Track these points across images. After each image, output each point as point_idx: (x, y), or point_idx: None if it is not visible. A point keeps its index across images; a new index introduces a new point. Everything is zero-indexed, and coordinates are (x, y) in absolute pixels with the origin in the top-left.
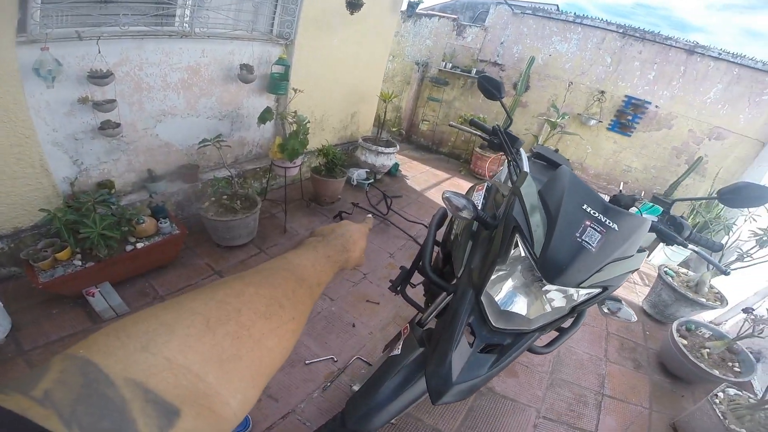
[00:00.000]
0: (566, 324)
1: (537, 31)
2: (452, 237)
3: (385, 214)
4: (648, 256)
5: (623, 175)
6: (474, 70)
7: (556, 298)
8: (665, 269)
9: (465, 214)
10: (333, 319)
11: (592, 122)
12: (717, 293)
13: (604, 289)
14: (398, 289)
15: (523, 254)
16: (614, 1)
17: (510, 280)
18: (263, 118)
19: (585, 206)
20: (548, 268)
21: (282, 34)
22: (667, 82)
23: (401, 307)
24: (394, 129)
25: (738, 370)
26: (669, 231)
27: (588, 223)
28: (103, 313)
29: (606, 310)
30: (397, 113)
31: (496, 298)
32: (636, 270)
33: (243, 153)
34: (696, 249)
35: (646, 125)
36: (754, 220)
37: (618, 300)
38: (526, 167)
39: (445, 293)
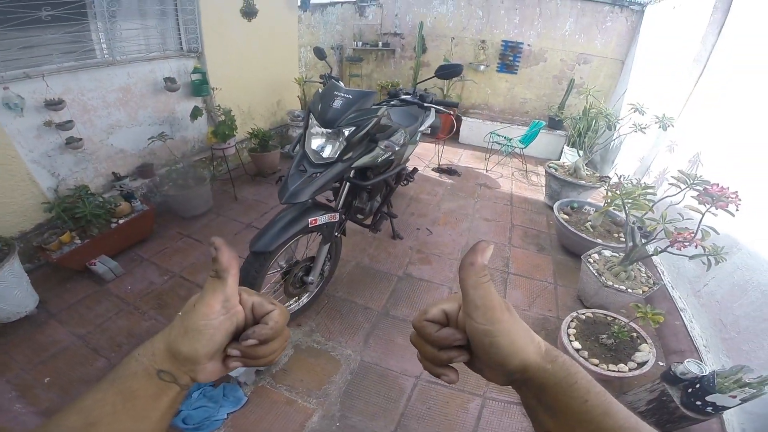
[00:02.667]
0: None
1: None
2: None
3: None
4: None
5: (522, 106)
6: (380, 43)
7: (332, 136)
8: (549, 164)
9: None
10: None
11: (482, 67)
12: (597, 176)
13: (357, 126)
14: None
15: (313, 120)
16: None
17: (313, 137)
18: (194, 114)
19: (335, 92)
20: (322, 121)
21: (191, 49)
22: (530, 23)
23: None
24: None
25: (623, 239)
26: (415, 100)
27: (336, 95)
28: (105, 274)
29: (382, 147)
30: None
31: (312, 146)
32: (375, 117)
33: (188, 149)
34: (437, 107)
35: (525, 62)
36: (642, 113)
37: (391, 142)
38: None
39: None
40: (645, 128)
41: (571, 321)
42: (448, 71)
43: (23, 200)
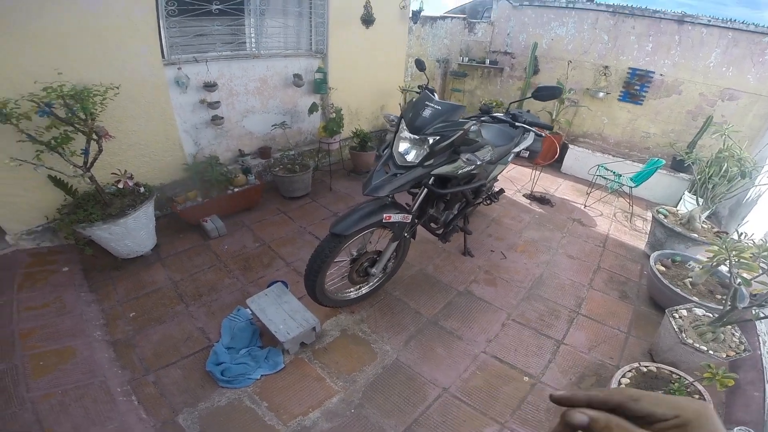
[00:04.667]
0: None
1: (536, 19)
2: None
3: None
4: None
5: (642, 140)
6: (487, 61)
7: (418, 142)
8: (659, 209)
9: (394, 121)
10: None
11: (601, 94)
12: (713, 230)
13: (442, 136)
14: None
15: (403, 125)
16: None
17: (401, 140)
18: (311, 109)
19: (426, 102)
20: (410, 128)
21: (318, 50)
22: (666, 51)
23: None
24: None
25: (729, 301)
26: (505, 118)
27: (427, 104)
28: (211, 231)
29: (464, 159)
30: None
31: (399, 149)
32: (461, 130)
33: (301, 139)
34: (530, 128)
35: (655, 93)
36: None
37: (474, 156)
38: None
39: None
40: None
41: (629, 371)
42: (547, 93)
43: (170, 160)
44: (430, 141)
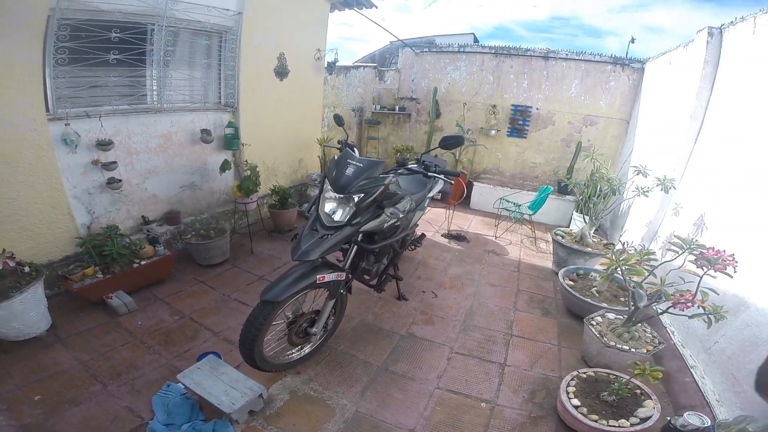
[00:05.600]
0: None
1: (435, 64)
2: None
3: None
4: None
5: (531, 170)
6: (397, 107)
7: (344, 201)
8: (556, 231)
9: (316, 181)
10: None
11: (493, 132)
12: (603, 243)
13: (366, 193)
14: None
15: (327, 185)
16: (533, 18)
17: (326, 201)
18: (223, 167)
19: (348, 160)
20: (335, 187)
21: (228, 103)
22: (538, 86)
23: None
24: None
25: (631, 303)
26: (419, 170)
27: (349, 162)
28: (119, 308)
29: (388, 214)
30: None
31: (325, 209)
32: (382, 185)
33: (213, 200)
34: (440, 176)
35: (534, 126)
36: (645, 176)
37: (396, 209)
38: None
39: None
40: (648, 191)
41: (571, 380)
42: (451, 142)
43: (58, 233)
44: (355, 199)
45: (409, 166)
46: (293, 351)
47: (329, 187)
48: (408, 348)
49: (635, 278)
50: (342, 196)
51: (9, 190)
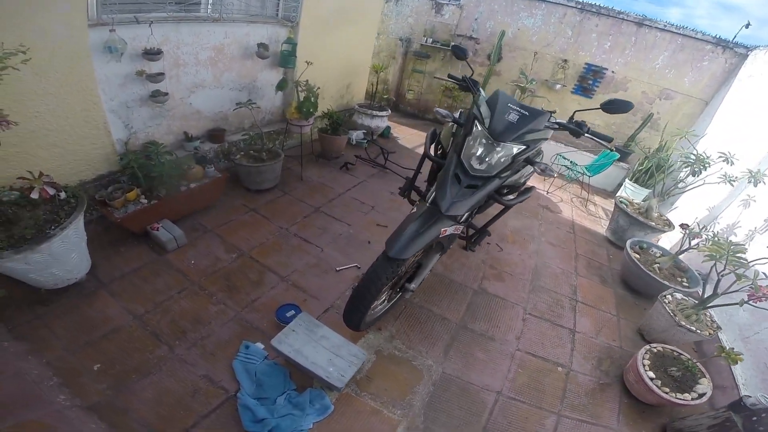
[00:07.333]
0: (513, 197)
1: (506, 7)
2: (439, 148)
3: (383, 165)
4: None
5: None
6: (452, 44)
7: (501, 151)
8: (621, 199)
9: (448, 119)
10: (351, 238)
11: (558, 86)
12: (665, 219)
13: (527, 146)
14: (405, 194)
15: (479, 128)
16: None
17: (475, 144)
18: (280, 86)
19: (509, 104)
20: (492, 133)
21: (287, 17)
22: (621, 50)
23: None
24: (385, 97)
25: (686, 284)
26: (573, 127)
27: (510, 107)
28: (168, 243)
29: (539, 170)
30: (384, 85)
31: (471, 152)
32: (546, 139)
33: (259, 119)
34: (593, 137)
35: (604, 88)
36: (731, 164)
37: (547, 165)
38: (481, 95)
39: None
40: (734, 180)
41: (646, 353)
42: (616, 107)
43: (92, 149)
44: (515, 150)
45: (559, 121)
46: (377, 305)
47: (483, 130)
48: (483, 305)
49: (737, 271)
50: (499, 143)
51: (36, 103)
